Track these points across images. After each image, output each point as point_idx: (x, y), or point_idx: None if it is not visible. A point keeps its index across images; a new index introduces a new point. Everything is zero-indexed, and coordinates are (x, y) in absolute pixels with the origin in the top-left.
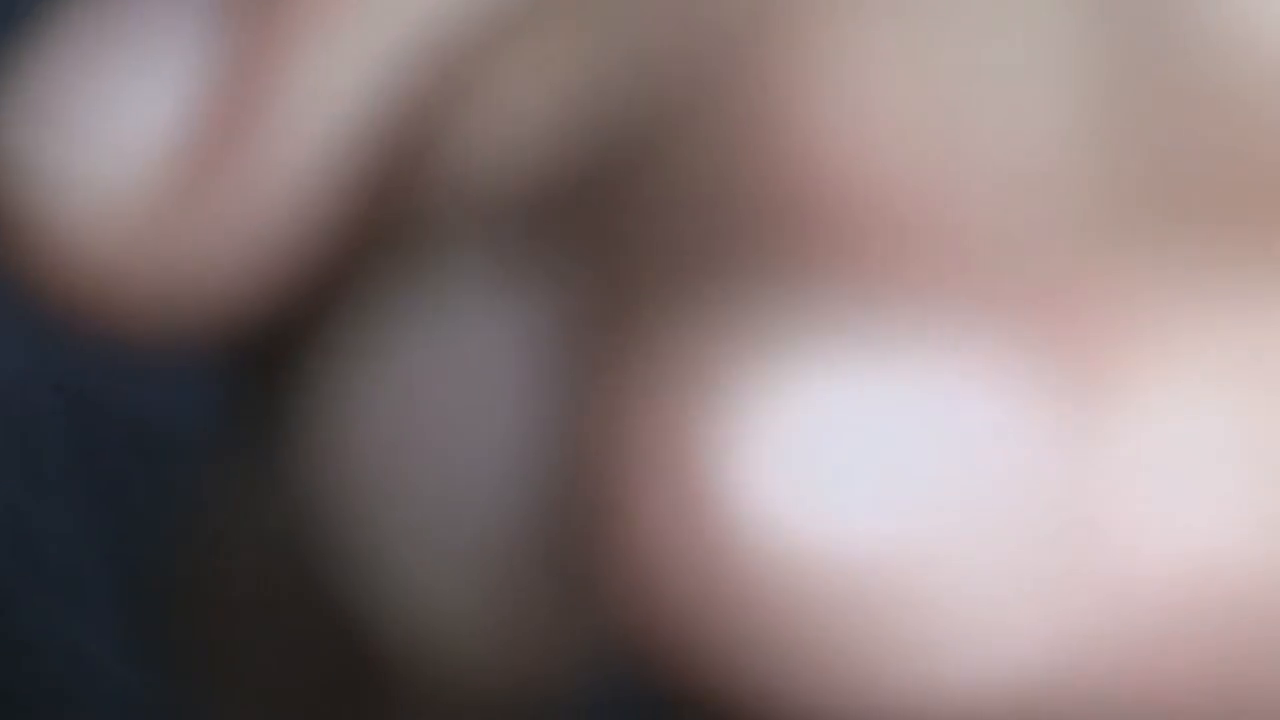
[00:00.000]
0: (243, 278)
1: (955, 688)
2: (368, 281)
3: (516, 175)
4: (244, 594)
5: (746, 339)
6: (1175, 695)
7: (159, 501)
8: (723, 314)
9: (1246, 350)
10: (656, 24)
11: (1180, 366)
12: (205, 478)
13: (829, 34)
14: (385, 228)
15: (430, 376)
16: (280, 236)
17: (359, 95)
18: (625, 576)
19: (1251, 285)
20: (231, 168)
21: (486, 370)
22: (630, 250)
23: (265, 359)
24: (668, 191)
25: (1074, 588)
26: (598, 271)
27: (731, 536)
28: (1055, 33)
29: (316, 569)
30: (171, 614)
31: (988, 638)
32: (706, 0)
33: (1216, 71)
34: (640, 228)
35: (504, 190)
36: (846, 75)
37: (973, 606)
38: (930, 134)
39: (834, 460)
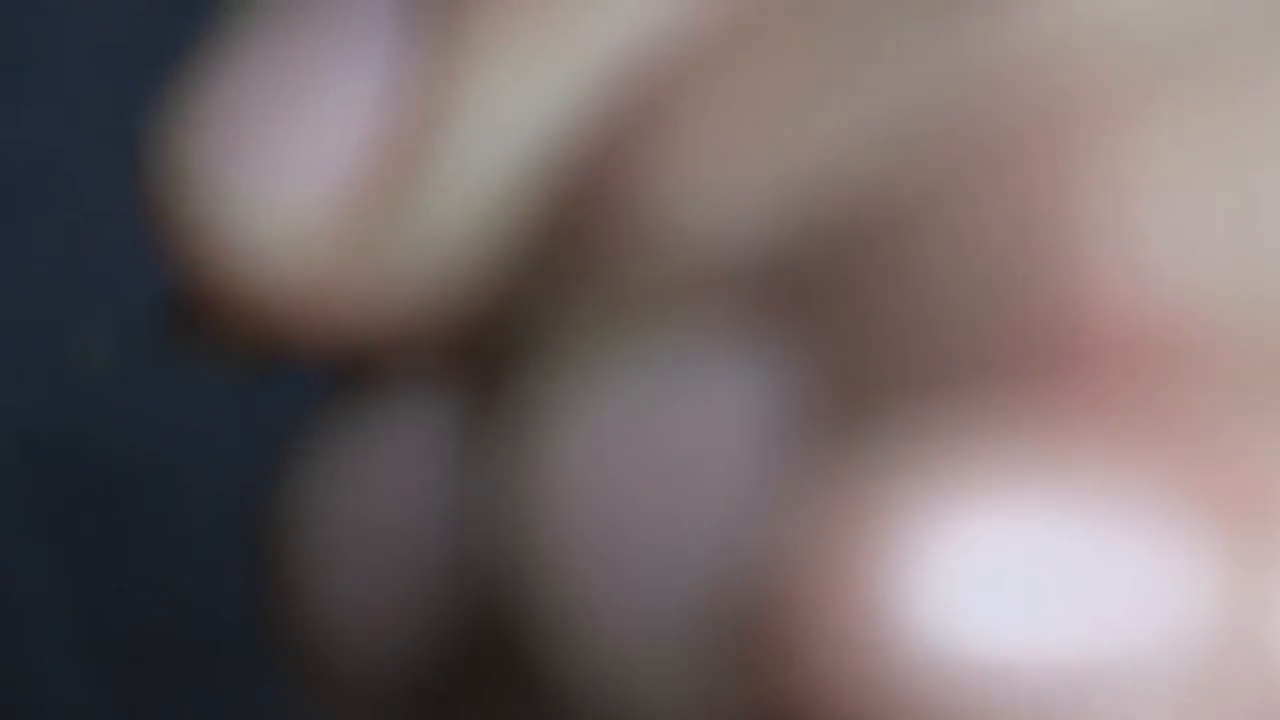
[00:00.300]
0: (425, 304)
1: None
2: (562, 323)
3: (735, 233)
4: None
5: (949, 453)
6: None
7: (125, 537)
8: (935, 426)
9: None
10: (920, 88)
11: None
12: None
13: (1111, 136)
14: (579, 268)
15: (633, 432)
16: (463, 264)
17: (547, 123)
18: (792, 675)
19: None
20: (417, 191)
21: (689, 435)
22: (860, 342)
23: (445, 388)
24: (911, 285)
25: None
26: (821, 358)
27: (906, 653)
28: None
29: (513, 615)
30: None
31: None
32: (978, 69)
33: None
34: (876, 320)
35: (721, 250)
36: (1128, 191)
37: None
38: (1214, 271)
39: (1015, 589)
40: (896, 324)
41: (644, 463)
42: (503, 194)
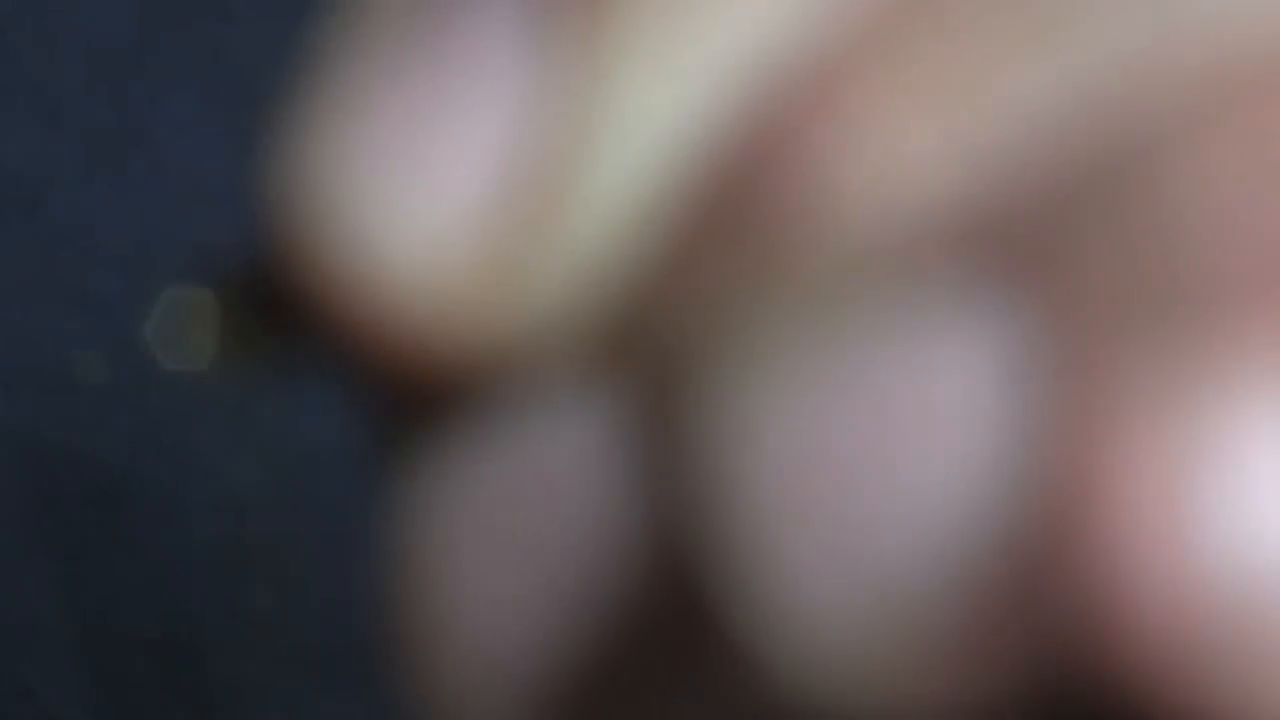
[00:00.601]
0: (568, 312)
1: None
2: (746, 307)
3: (930, 196)
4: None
5: (1236, 367)
6: None
7: (116, 548)
8: (1211, 344)
9: None
10: (1113, 40)
11: None
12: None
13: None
14: (754, 253)
15: (854, 395)
16: (609, 267)
17: (686, 123)
18: (1100, 600)
19: None
20: (561, 200)
21: (915, 392)
22: (1096, 281)
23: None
24: (1143, 223)
25: None
26: (1057, 301)
27: (1223, 568)
28: None
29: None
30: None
31: None
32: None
33: None
34: (1108, 259)
35: (920, 214)
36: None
37: None
38: None
39: None
40: (1131, 261)
41: (868, 425)
42: (648, 196)
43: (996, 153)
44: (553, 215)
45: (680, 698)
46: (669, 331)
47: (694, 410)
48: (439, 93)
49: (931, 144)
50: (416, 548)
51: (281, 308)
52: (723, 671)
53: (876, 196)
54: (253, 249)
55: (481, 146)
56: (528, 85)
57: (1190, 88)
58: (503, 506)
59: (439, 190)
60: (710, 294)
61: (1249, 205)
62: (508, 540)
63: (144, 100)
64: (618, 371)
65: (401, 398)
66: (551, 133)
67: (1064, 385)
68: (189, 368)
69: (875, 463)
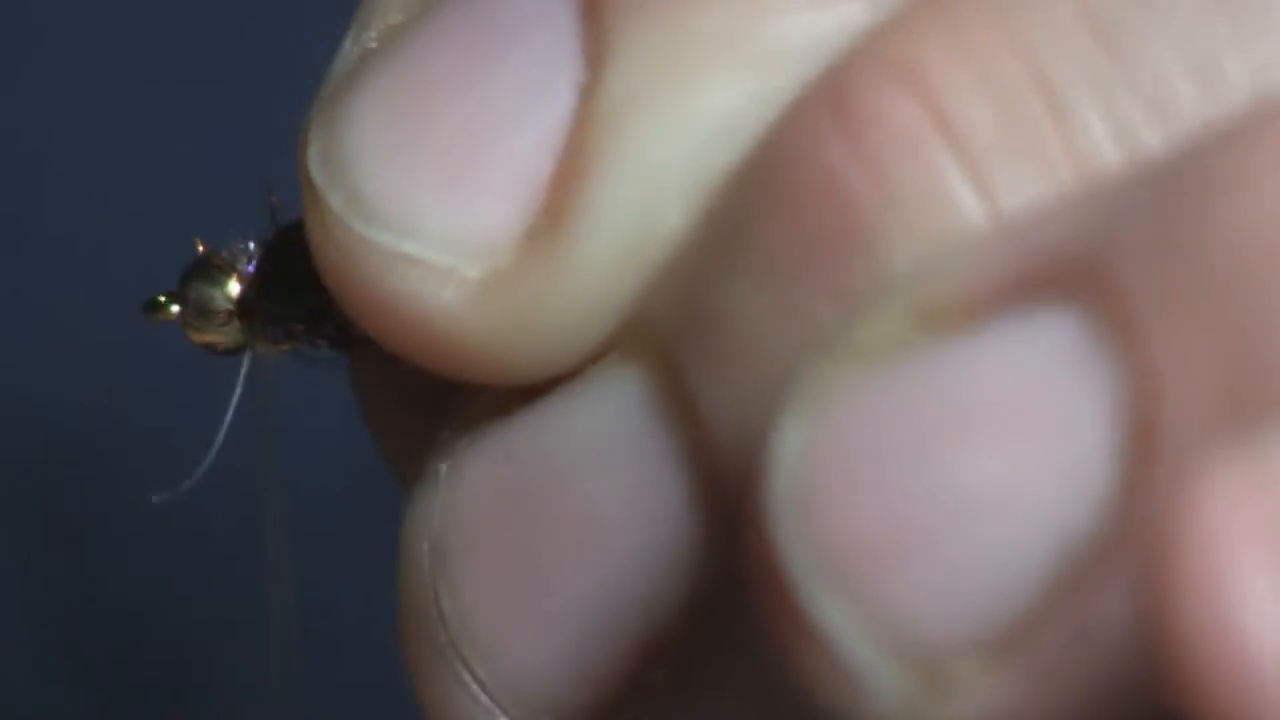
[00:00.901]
0: (611, 307)
1: None
2: (818, 312)
3: (1030, 220)
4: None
5: None
6: None
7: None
8: None
9: None
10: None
11: None
12: None
13: None
14: (828, 260)
15: (946, 403)
16: (653, 261)
17: (736, 124)
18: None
19: None
20: (605, 198)
21: (1009, 412)
22: (1220, 343)
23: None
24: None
25: None
26: (1175, 359)
27: None
28: None
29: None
30: None
31: None
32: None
33: None
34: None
35: (1024, 236)
36: None
37: None
38: None
39: None
40: (1234, 336)
41: (958, 430)
42: (695, 193)
43: (1091, 192)
44: (597, 214)
45: (717, 686)
46: (711, 324)
47: (750, 405)
48: (485, 94)
49: (1028, 163)
50: (445, 529)
51: (312, 293)
52: (761, 655)
53: (974, 210)
54: (284, 239)
55: (532, 148)
56: (572, 81)
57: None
58: (535, 481)
59: (488, 192)
60: (775, 293)
61: None
62: (539, 515)
63: (173, 93)
64: (653, 356)
65: (429, 384)
66: (594, 132)
67: (1186, 437)
68: (213, 346)
69: (970, 464)
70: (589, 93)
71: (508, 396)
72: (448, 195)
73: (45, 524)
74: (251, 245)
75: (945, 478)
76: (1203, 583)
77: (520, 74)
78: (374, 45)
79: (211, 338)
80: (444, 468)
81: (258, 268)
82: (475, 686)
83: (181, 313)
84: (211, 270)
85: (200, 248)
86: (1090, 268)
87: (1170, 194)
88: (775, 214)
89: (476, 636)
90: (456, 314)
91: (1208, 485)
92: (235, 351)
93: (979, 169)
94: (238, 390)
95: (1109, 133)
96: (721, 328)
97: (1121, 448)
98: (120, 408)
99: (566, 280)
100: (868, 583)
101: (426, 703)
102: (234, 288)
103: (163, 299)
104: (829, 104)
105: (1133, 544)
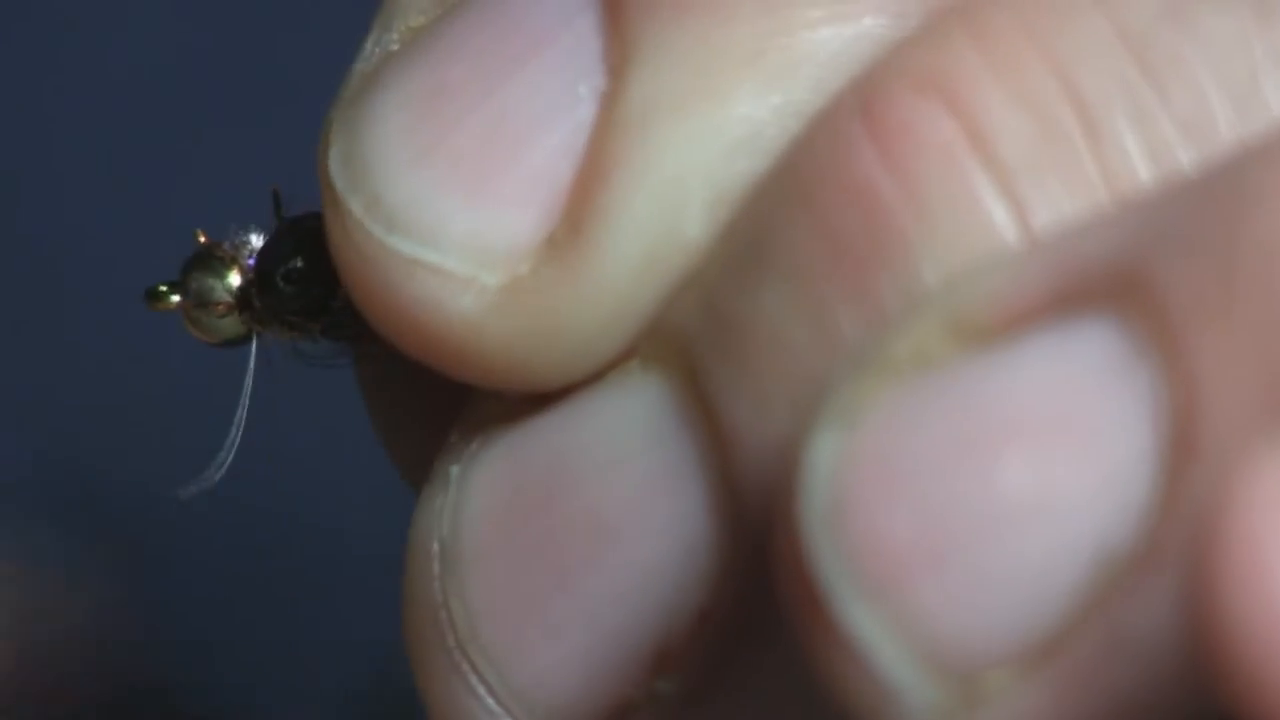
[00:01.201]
0: (632, 312)
1: None
2: (854, 321)
3: (1072, 232)
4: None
5: None
6: None
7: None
8: None
9: None
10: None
11: None
12: None
13: None
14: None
15: (992, 411)
16: (676, 269)
17: (758, 137)
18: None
19: None
20: (626, 207)
21: (1051, 421)
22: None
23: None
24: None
25: None
26: (1212, 364)
27: None
28: None
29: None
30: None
31: None
32: None
33: None
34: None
35: (1063, 249)
36: None
37: None
38: None
39: None
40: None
41: (994, 441)
42: (717, 202)
43: (1131, 204)
44: (619, 220)
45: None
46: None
47: (779, 411)
48: (503, 104)
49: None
50: (456, 531)
51: (328, 295)
52: (774, 663)
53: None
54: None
55: (553, 156)
56: (595, 89)
57: None
58: (549, 485)
59: (510, 197)
60: (806, 299)
61: None
62: (552, 519)
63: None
64: (673, 363)
65: (448, 390)
66: (616, 141)
67: (1226, 439)
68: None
69: (1015, 467)
70: (611, 100)
71: (520, 399)
72: (468, 202)
73: (45, 524)
74: (253, 238)
75: (981, 488)
76: (1252, 576)
77: (542, 80)
78: (395, 47)
79: (211, 329)
80: (455, 469)
81: (258, 260)
82: (483, 690)
83: (182, 303)
84: (213, 261)
85: (202, 239)
86: (1128, 279)
87: (1207, 205)
88: (803, 221)
89: (485, 640)
90: (476, 322)
91: (1253, 482)
92: (235, 343)
93: (1011, 183)
94: (248, 381)
95: (1143, 151)
96: (745, 335)
97: (1161, 454)
98: (119, 406)
99: (586, 288)
100: (901, 593)
101: (432, 706)
102: (235, 279)
103: (163, 288)
104: (861, 114)
105: (1171, 550)
